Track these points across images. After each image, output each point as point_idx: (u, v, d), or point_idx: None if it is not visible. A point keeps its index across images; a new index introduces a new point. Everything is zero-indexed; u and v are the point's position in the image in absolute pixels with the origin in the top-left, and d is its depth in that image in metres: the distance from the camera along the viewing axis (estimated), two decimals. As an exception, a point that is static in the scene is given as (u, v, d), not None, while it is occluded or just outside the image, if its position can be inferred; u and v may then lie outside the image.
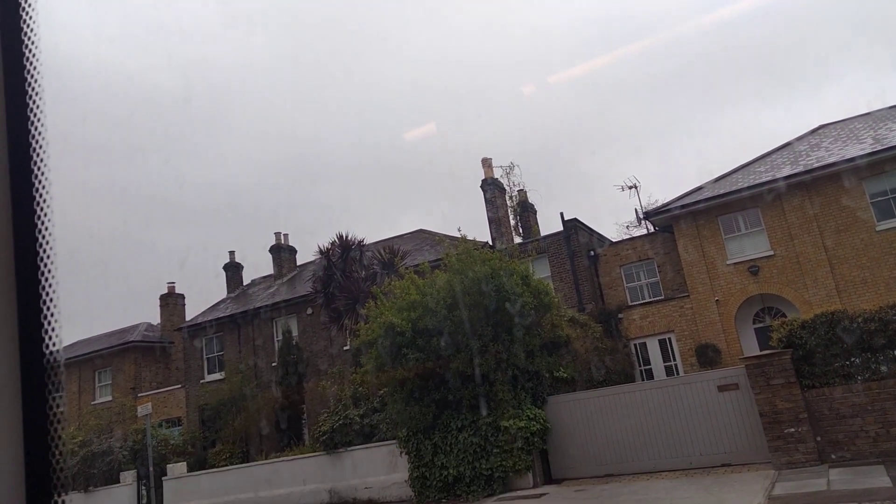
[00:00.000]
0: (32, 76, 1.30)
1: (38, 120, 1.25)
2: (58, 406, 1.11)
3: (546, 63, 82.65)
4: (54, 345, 1.13)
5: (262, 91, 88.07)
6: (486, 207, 23.76)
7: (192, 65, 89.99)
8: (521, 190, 27.41)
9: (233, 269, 31.45)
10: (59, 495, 1.07)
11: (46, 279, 1.17)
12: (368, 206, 74.78)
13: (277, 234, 30.06)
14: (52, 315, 1.15)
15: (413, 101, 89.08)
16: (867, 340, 11.12)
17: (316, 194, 76.52)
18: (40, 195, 1.20)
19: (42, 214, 1.19)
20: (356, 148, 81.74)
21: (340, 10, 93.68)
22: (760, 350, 15.26)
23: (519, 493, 12.94)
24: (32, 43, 1.32)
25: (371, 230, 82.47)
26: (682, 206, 19.35)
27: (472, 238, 15.97)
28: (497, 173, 25.04)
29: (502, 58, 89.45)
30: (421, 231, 27.24)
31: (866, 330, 11.12)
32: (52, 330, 1.14)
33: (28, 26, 1.35)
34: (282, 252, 29.84)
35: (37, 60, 1.29)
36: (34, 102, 1.26)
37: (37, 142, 1.23)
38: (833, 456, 11.00)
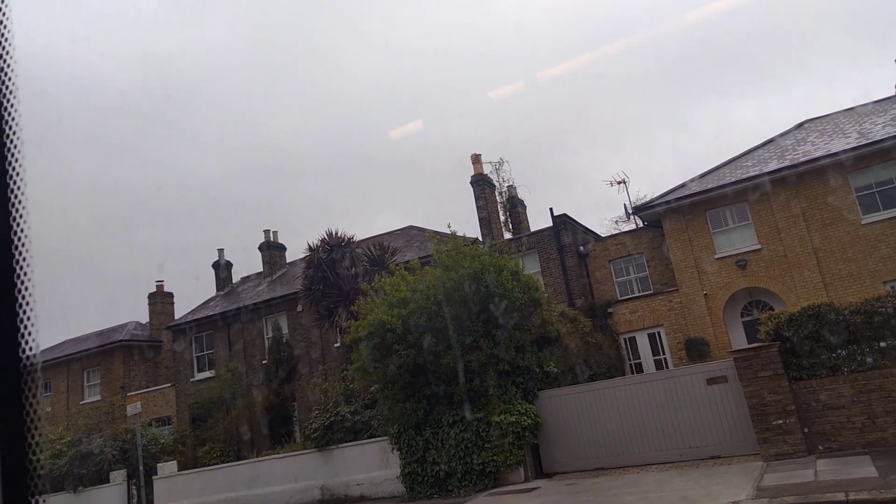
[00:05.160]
0: (6, 73, 1.27)
1: (13, 119, 1.23)
2: (35, 411, 1.08)
3: (532, 60, 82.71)
4: (31, 349, 1.11)
5: (241, 89, 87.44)
6: (476, 203, 23.74)
7: (170, 63, 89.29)
8: (511, 186, 27.42)
9: (222, 267, 31.24)
10: (38, 503, 1.05)
11: (23, 282, 1.14)
12: (358, 203, 74.63)
13: (267, 232, 29.90)
14: (28, 319, 1.12)
15: (399, 99, 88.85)
16: (853, 333, 11.23)
17: (305, 192, 76.22)
18: (15, 196, 1.18)
19: (17, 216, 1.17)
20: (346, 146, 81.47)
21: (322, 7, 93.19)
22: (748, 343, 15.39)
23: (510, 487, 12.98)
24: (6, 40, 1.30)
25: (361, 227, 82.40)
26: (671, 201, 19.44)
27: (461, 234, 15.96)
28: (486, 169, 25.05)
29: (490, 55, 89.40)
30: (411, 227, 27.19)
31: (852, 322, 11.23)
32: (29, 334, 1.12)
33: (2, 24, 1.32)
34: (271, 249, 29.68)
35: (10, 57, 1.26)
36: (8, 101, 1.23)
37: (11, 141, 1.20)
38: (820, 447, 11.12)
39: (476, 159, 24.14)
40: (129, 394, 27.71)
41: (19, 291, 1.15)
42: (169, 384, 28.12)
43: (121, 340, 29.63)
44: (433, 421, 13.92)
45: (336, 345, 22.60)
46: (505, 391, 13.64)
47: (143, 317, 32.38)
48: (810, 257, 17.57)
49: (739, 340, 17.68)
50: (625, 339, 20.02)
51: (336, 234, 20.50)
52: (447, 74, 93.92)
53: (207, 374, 26.16)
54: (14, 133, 1.25)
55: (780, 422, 11.25)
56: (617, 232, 26.20)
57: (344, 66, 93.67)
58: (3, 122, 1.24)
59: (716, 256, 18.86)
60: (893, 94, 21.64)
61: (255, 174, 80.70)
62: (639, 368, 19.51)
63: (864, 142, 17.32)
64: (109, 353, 29.63)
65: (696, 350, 18.18)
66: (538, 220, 28.12)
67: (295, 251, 29.68)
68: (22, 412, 1.11)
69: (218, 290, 30.77)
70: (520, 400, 13.72)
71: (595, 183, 76.83)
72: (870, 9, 60.76)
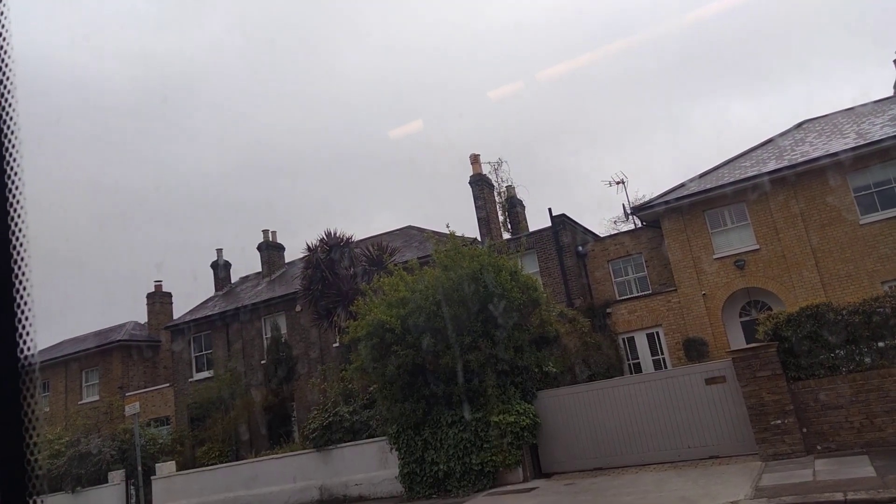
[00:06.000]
0: (5, 73, 1.27)
1: (12, 118, 1.22)
2: (33, 411, 1.08)
3: (532, 60, 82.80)
4: (29, 349, 1.10)
5: (240, 89, 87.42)
6: (475, 203, 23.73)
7: (170, 63, 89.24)
8: (510, 186, 27.42)
9: (221, 267, 31.21)
10: (36, 503, 1.05)
11: (21, 282, 1.14)
12: (357, 202, 74.62)
13: (265, 232, 29.90)
14: (26, 318, 1.12)
15: (399, 99, 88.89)
16: (851, 333, 11.24)
17: (304, 192, 76.20)
18: (13, 195, 1.18)
19: (16, 216, 1.16)
20: (346, 146, 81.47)
21: (322, 6, 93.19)
22: (747, 343, 15.40)
23: (509, 487, 12.98)
24: (5, 40, 1.29)
25: (360, 227, 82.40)
26: (669, 201, 19.45)
27: (460, 234, 15.96)
28: (485, 169, 25.05)
29: (489, 55, 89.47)
30: (410, 227, 27.19)
31: (851, 322, 11.24)
32: (27, 333, 1.11)
33: (1, 24, 1.31)
34: (270, 249, 29.67)
35: (8, 57, 1.26)
36: (7, 101, 1.23)
37: (9, 140, 1.20)
38: (818, 447, 11.13)
39: (475, 159, 24.14)
40: (127, 394, 27.68)
41: (17, 291, 1.15)
42: (167, 384, 28.10)
43: (119, 340, 29.61)
44: (432, 421, 13.92)
45: (335, 345, 22.59)
46: (504, 391, 13.64)
47: (142, 317, 32.37)
48: (809, 257, 17.59)
49: (738, 340, 17.69)
50: (623, 340, 20.03)
51: (335, 233, 20.50)
52: (447, 74, 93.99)
53: (206, 374, 26.15)
54: (13, 132, 1.24)
55: (779, 422, 11.26)
56: (616, 232, 26.22)
57: (344, 66, 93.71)
58: (2, 121, 1.24)
59: (714, 256, 18.88)
60: (892, 94, 21.68)
61: (254, 174, 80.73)
62: (637, 368, 19.52)
63: (863, 142, 17.34)
64: (108, 353, 29.60)
65: (694, 350, 18.19)
66: (537, 220, 28.13)
67: (294, 251, 29.74)
68: (20, 412, 1.10)
69: (216, 289, 30.74)
70: (518, 400, 13.71)
71: (594, 183, 77.02)
72: (869, 8, 60.85)
